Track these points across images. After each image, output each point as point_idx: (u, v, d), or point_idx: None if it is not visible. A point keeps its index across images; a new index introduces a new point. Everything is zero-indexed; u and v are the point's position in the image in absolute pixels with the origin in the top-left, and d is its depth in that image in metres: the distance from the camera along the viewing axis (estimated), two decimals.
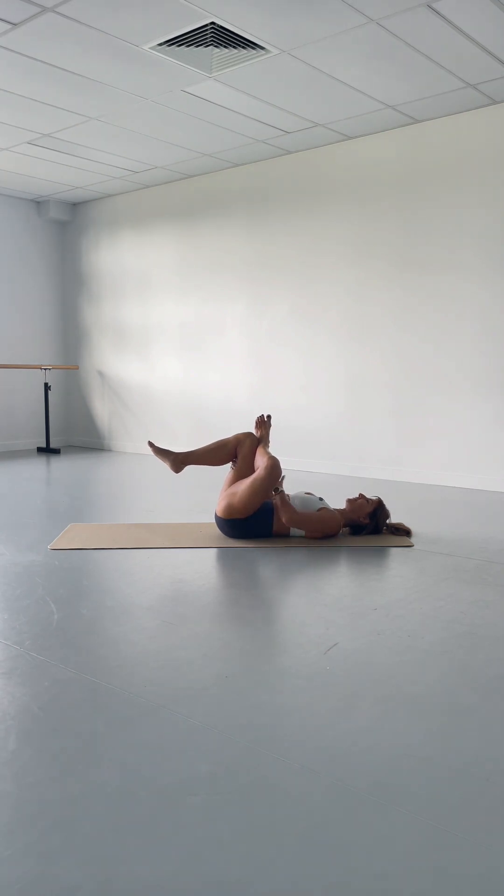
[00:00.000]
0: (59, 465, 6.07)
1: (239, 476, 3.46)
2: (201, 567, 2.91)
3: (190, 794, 1.34)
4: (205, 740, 1.53)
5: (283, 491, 3.34)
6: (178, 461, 3.52)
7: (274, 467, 3.28)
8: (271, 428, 3.88)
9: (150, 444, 3.53)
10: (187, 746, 1.51)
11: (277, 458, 3.82)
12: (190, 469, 5.78)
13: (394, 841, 1.21)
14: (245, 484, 3.30)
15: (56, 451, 6.93)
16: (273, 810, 1.29)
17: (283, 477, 3.41)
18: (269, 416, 3.63)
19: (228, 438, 3.55)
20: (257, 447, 3.50)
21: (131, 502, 4.35)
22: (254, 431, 3.63)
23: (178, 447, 6.57)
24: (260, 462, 3.38)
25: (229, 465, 3.65)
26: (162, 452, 3.55)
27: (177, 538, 3.38)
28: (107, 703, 1.71)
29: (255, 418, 5.97)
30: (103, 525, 3.66)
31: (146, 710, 1.67)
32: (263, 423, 3.60)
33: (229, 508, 3.31)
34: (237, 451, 3.52)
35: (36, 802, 1.31)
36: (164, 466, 5.94)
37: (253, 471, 3.44)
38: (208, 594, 2.55)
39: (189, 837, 1.22)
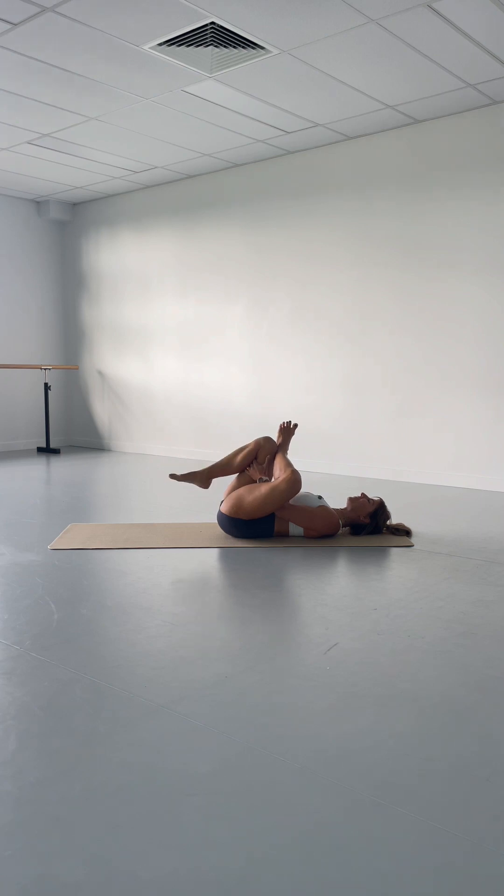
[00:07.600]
0: (59, 465, 6.07)
1: (250, 479, 3.48)
2: (201, 567, 2.91)
3: (189, 793, 1.34)
4: (205, 740, 1.53)
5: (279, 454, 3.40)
6: (205, 478, 3.54)
7: (296, 482, 3.27)
8: (292, 436, 3.88)
9: (172, 476, 3.54)
10: (187, 746, 1.51)
11: (299, 472, 3.82)
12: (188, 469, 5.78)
13: (394, 841, 1.21)
14: (261, 490, 3.29)
15: (56, 451, 6.93)
16: (273, 810, 1.29)
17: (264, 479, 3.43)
18: (295, 425, 3.64)
19: (248, 444, 3.55)
20: (276, 453, 3.51)
21: (131, 502, 4.35)
22: (274, 436, 3.62)
23: (178, 447, 6.57)
24: (279, 472, 3.37)
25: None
26: (187, 477, 3.55)
27: (177, 538, 3.38)
28: (107, 703, 1.71)
29: (257, 419, 5.97)
30: (103, 525, 3.66)
31: (146, 710, 1.67)
32: (288, 430, 3.60)
33: (237, 508, 3.31)
34: (257, 455, 3.52)
35: (36, 802, 1.31)
36: (164, 474, 5.94)
37: (267, 474, 3.46)
38: (208, 594, 2.55)
39: (188, 837, 1.22)
